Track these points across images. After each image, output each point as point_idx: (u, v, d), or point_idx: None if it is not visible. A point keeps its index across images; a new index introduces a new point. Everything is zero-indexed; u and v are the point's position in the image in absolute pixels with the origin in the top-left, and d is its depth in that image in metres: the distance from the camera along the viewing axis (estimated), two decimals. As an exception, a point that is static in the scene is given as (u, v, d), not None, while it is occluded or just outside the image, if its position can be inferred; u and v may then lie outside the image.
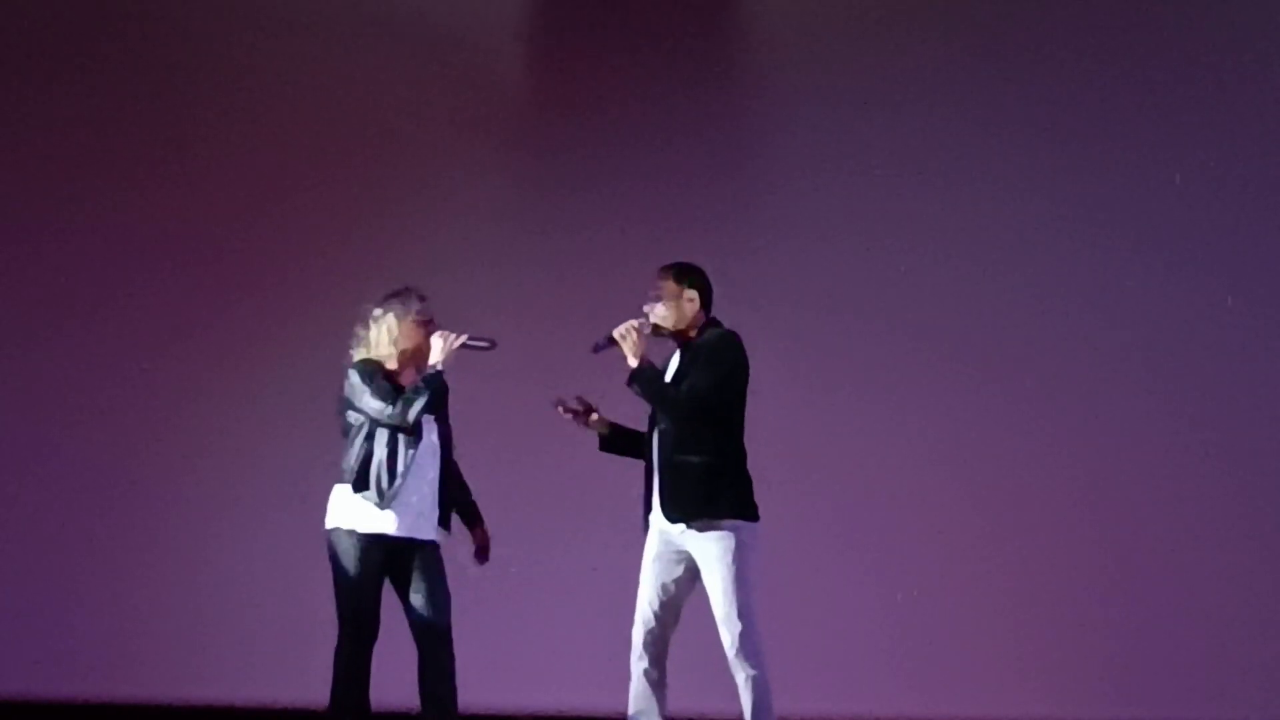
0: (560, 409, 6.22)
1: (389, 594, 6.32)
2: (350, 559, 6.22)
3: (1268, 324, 7.85)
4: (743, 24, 8.37)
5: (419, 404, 6.15)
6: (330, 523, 6.26)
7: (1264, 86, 7.93)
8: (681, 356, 6.17)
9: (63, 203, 8.32)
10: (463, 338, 6.25)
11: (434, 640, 6.28)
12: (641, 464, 6.19)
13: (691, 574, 6.11)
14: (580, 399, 6.23)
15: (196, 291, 8.20)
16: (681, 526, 6.04)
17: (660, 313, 6.15)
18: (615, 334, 6.10)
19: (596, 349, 6.13)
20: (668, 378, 6.14)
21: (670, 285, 6.17)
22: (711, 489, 6.03)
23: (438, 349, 6.24)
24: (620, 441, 6.27)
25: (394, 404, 6.15)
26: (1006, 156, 7.98)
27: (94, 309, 8.23)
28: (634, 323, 6.10)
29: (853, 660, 7.77)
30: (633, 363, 6.07)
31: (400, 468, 6.19)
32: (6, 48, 8.46)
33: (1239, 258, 7.88)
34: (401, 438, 6.19)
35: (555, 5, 8.43)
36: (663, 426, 6.09)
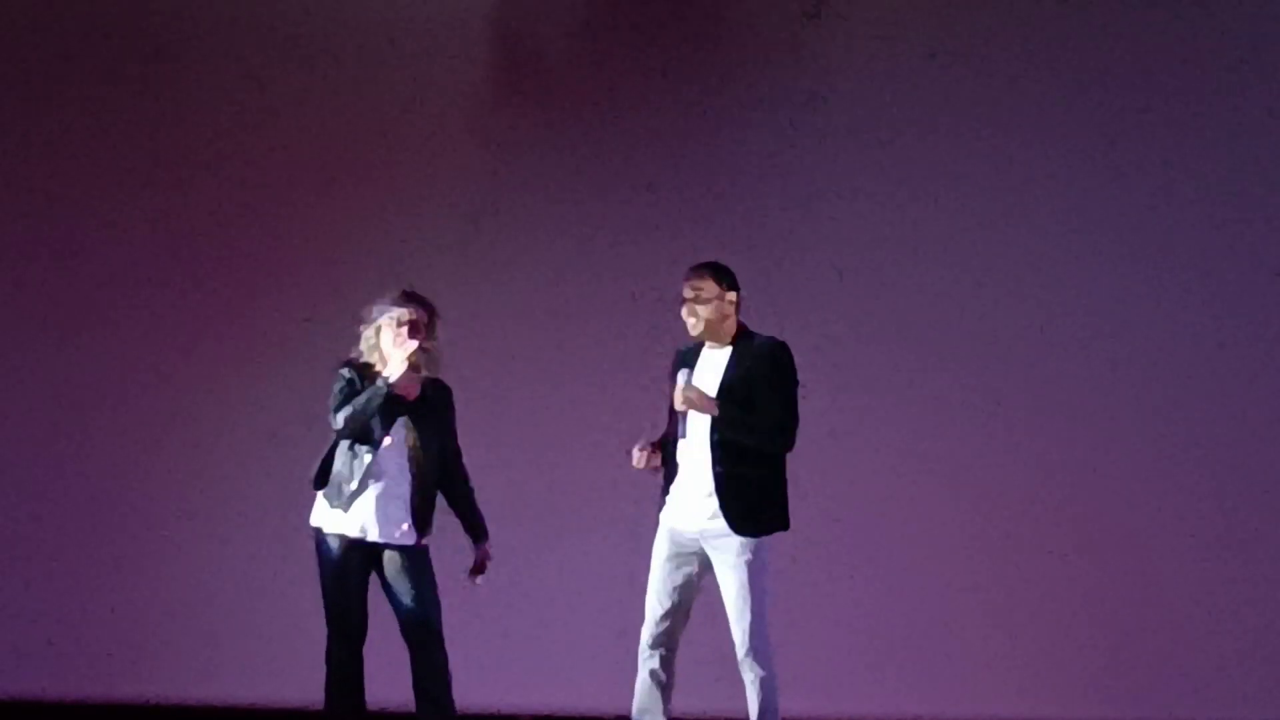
0: (640, 460, 6.09)
1: (381, 594, 6.36)
2: (325, 558, 6.29)
3: (1264, 331, 7.85)
4: (735, 23, 8.35)
5: (345, 412, 6.18)
6: (311, 520, 6.33)
7: (1270, 92, 7.93)
8: (734, 364, 6.09)
9: (64, 206, 8.31)
10: (412, 345, 6.22)
11: (423, 641, 6.28)
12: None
13: (701, 573, 6.12)
14: (651, 445, 6.12)
15: (202, 294, 8.17)
16: (702, 528, 6.04)
17: (704, 316, 6.09)
18: (679, 408, 6.01)
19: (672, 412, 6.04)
20: (715, 381, 6.07)
21: (711, 286, 6.11)
22: (771, 502, 6.08)
23: (395, 360, 6.24)
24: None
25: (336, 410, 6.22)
26: (1007, 163, 7.97)
27: (97, 312, 8.22)
28: (681, 386, 6.00)
29: (851, 661, 7.77)
30: (713, 413, 6.01)
31: (357, 471, 6.22)
32: (12, 53, 8.46)
33: (1239, 264, 7.89)
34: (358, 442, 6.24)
35: (546, 6, 8.41)
36: (720, 438, 6.03)
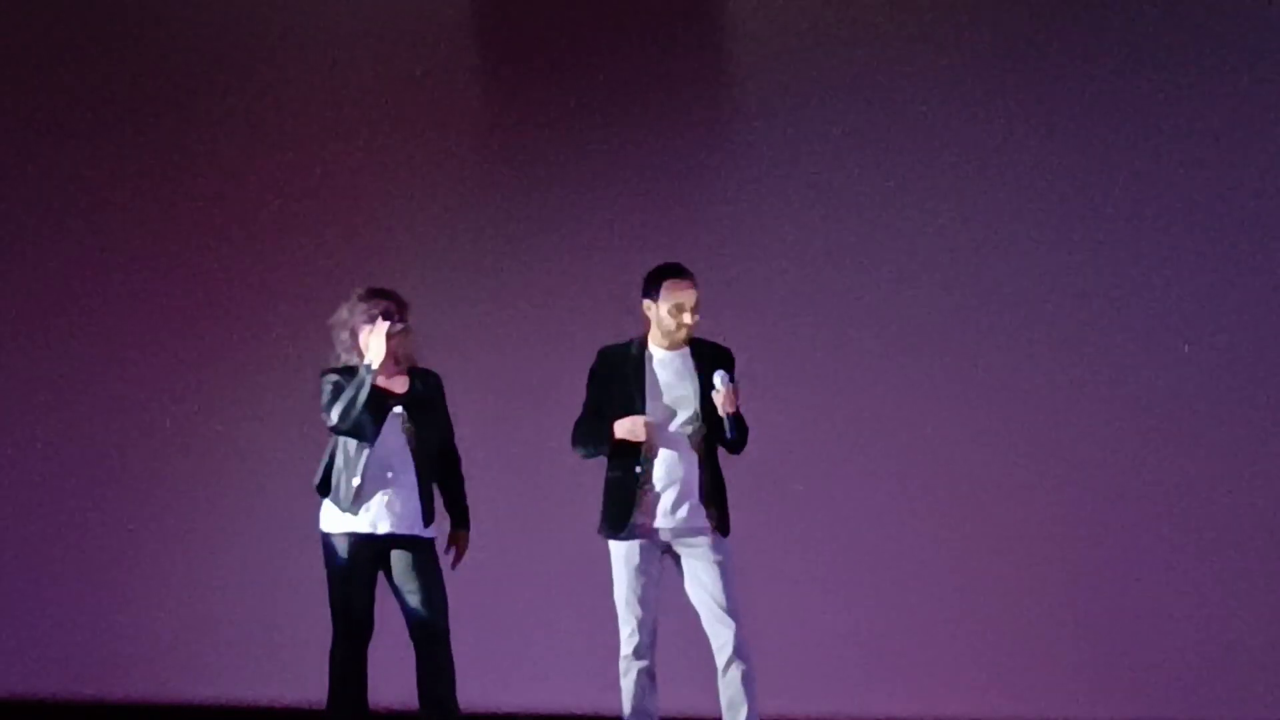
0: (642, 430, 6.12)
1: (387, 595, 6.36)
2: (334, 559, 6.31)
3: (1259, 327, 7.87)
4: (727, 21, 8.37)
5: (338, 408, 6.22)
6: (320, 525, 6.35)
7: (1266, 90, 7.95)
8: (700, 366, 6.13)
9: (66, 209, 8.34)
10: (386, 327, 6.25)
11: (430, 640, 6.32)
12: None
13: (663, 574, 6.19)
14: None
15: (206, 296, 8.21)
16: (675, 528, 6.12)
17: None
18: (729, 410, 6.05)
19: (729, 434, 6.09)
20: (689, 380, 6.12)
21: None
22: (726, 503, 6.20)
23: (375, 347, 6.26)
24: None
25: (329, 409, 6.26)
26: (996, 157, 7.98)
27: (99, 314, 8.25)
28: (721, 387, 6.05)
29: (844, 660, 7.79)
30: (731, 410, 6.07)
31: (358, 469, 6.26)
32: (9, 52, 8.48)
33: (1231, 260, 7.91)
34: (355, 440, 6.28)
35: (535, 4, 8.43)
36: (699, 440, 6.12)
